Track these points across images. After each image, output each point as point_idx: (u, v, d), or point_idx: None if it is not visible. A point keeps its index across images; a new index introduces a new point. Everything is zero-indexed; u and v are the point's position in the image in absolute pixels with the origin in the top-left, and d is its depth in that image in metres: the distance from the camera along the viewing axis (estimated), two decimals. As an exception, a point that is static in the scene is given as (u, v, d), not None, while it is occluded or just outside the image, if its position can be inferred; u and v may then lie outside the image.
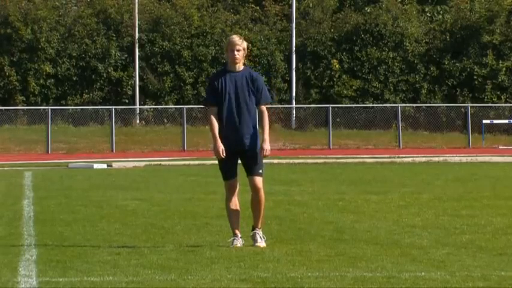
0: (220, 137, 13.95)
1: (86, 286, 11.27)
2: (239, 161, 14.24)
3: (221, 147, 13.80)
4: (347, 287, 11.03)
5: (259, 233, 14.02)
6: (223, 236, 15.70)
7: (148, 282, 11.49)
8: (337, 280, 11.56)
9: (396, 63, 62.03)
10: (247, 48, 14.55)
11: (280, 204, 20.71)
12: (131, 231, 16.56)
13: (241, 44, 14.10)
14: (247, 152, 14.06)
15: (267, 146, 13.95)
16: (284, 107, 59.07)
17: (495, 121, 55.98)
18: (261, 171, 13.85)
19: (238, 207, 14.23)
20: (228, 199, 14.29)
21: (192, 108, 56.24)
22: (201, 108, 56.88)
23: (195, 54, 61.38)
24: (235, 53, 14.06)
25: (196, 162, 40.92)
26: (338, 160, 40.64)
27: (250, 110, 14.04)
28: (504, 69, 61.62)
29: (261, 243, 13.91)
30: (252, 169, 14.02)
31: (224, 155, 13.84)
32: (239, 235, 14.08)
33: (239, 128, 13.99)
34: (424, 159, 41.98)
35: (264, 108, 14.03)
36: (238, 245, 13.92)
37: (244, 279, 11.64)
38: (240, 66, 14.19)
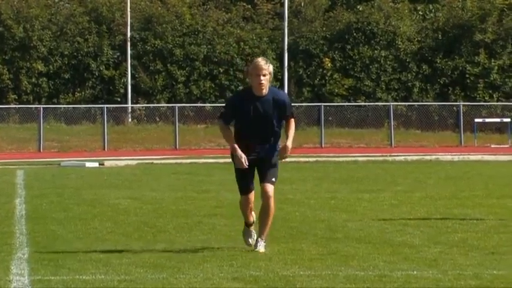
0: (242, 147, 13.49)
1: (78, 285, 11.28)
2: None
3: (243, 156, 13.39)
4: (339, 286, 11.06)
5: (261, 243, 13.55)
6: (215, 235, 15.74)
7: (141, 280, 11.51)
8: (329, 279, 11.60)
9: (388, 62, 62.09)
10: (272, 72, 13.68)
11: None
12: (123, 230, 16.58)
13: (267, 69, 13.34)
14: (264, 161, 13.64)
15: (289, 145, 13.59)
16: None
17: (487, 120, 56.02)
18: (274, 179, 13.47)
19: (252, 208, 13.90)
20: (243, 204, 13.90)
21: (184, 106, 56.26)
22: (193, 106, 56.94)
23: (187, 52, 61.40)
24: (261, 78, 13.31)
25: (188, 160, 40.91)
26: (330, 159, 40.67)
27: (276, 132, 13.65)
28: (496, 67, 61.71)
29: (261, 248, 13.55)
30: (265, 176, 13.56)
31: (247, 164, 13.42)
32: (253, 228, 13.92)
33: (261, 149, 13.63)
34: (416, 157, 42.02)
35: (291, 119, 13.68)
36: (251, 242, 13.77)
37: (236, 277, 11.67)
38: (265, 91, 13.43)
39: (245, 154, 13.41)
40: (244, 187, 13.65)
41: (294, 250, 13.62)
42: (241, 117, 13.50)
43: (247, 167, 13.40)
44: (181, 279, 11.57)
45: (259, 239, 13.54)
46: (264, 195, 13.49)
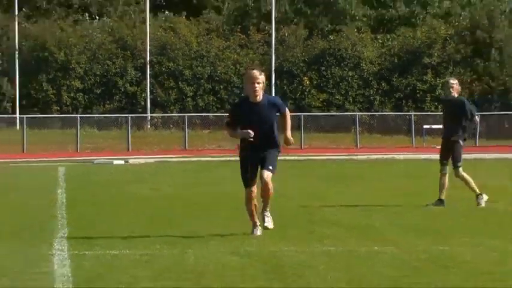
0: (243, 151, 13.19)
1: (108, 258, 11.26)
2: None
3: (246, 130, 12.84)
4: (316, 259, 11.05)
5: (267, 214, 13.10)
6: (217, 219, 15.68)
7: (158, 255, 11.53)
8: (308, 253, 11.61)
9: (354, 80, 62.12)
10: (265, 80, 13.25)
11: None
12: (143, 215, 16.53)
13: (260, 78, 12.88)
14: (264, 154, 12.99)
15: (289, 135, 13.11)
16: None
17: (433, 126, 55.96)
18: (271, 167, 12.83)
19: (255, 205, 13.16)
20: (247, 200, 13.15)
21: (192, 116, 56.16)
22: (199, 116, 56.82)
23: (194, 72, 61.37)
24: (256, 85, 12.82)
25: (195, 159, 40.84)
26: (308, 158, 40.58)
27: (273, 130, 13.04)
28: (440, 85, 61.59)
29: (269, 224, 13.13)
30: (265, 164, 12.87)
31: (253, 133, 12.79)
32: (258, 224, 13.17)
33: (260, 146, 12.95)
34: (376, 157, 41.91)
35: (285, 113, 13.16)
36: (259, 233, 13.10)
37: (234, 252, 11.68)
38: (260, 98, 12.91)
39: (250, 157, 13.02)
40: (248, 180, 13.02)
41: (280, 231, 13.56)
42: (242, 123, 12.94)
43: (253, 134, 12.78)
44: (190, 253, 11.55)
45: (264, 214, 13.07)
46: (262, 180, 12.90)
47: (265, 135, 12.94)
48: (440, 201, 17.72)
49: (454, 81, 18.36)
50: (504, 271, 10.21)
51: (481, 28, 63.27)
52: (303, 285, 9.41)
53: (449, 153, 17.98)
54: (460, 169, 17.86)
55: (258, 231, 13.07)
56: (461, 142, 17.95)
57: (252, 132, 12.80)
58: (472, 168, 33.23)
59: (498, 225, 14.64)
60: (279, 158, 13.24)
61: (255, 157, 12.99)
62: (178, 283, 9.50)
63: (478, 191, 17.83)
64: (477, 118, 18.50)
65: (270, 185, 12.93)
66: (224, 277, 9.87)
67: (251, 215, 13.15)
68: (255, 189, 13.02)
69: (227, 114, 13.48)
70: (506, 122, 58.54)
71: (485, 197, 17.70)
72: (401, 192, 19.49)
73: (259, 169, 13.05)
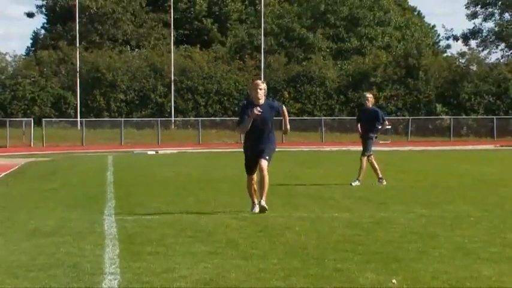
0: (246, 144, 12.41)
1: (143, 221, 11.29)
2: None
3: (251, 112, 12.07)
4: (293, 222, 11.06)
5: (264, 202, 12.02)
6: (222, 193, 15.67)
7: (178, 219, 11.51)
8: (286, 218, 11.60)
9: (321, 94, 62.09)
10: (267, 87, 12.57)
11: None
12: (168, 190, 16.53)
13: (262, 86, 12.32)
14: (263, 148, 12.22)
15: (288, 127, 12.53)
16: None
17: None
18: (268, 157, 12.10)
19: (255, 188, 12.31)
20: (248, 185, 12.42)
21: (204, 119, 56.21)
22: (209, 119, 56.80)
23: (206, 88, 61.33)
24: (258, 91, 12.22)
25: (206, 150, 40.89)
26: (287, 149, 40.62)
27: (270, 128, 12.32)
28: (382, 97, 61.72)
29: (266, 206, 12.04)
30: (262, 154, 12.10)
31: (259, 110, 12.05)
32: (256, 203, 12.23)
33: (260, 142, 12.22)
34: (336, 149, 42.02)
35: (283, 109, 12.52)
36: (256, 210, 12.15)
37: (234, 217, 11.70)
38: (262, 101, 12.21)
39: (252, 150, 12.22)
40: (249, 170, 12.30)
41: (266, 201, 13.57)
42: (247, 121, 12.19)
43: (260, 112, 12.04)
44: (203, 218, 11.54)
45: (261, 201, 12.08)
46: (260, 168, 12.08)
47: (264, 132, 12.24)
48: (380, 179, 17.73)
49: (369, 95, 18.56)
50: (429, 232, 10.22)
51: (412, 56, 63.33)
52: (283, 241, 9.41)
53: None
54: (365, 157, 17.91)
55: (256, 209, 12.22)
56: (373, 139, 18.06)
57: (258, 109, 12.05)
58: (406, 157, 33.40)
59: (424, 198, 14.66)
60: (275, 151, 12.54)
61: (256, 151, 12.20)
62: (193, 239, 9.51)
63: (359, 177, 17.60)
64: (387, 122, 18.60)
65: (266, 173, 12.05)
66: (227, 234, 9.88)
67: (251, 196, 12.39)
68: (254, 177, 12.28)
69: (237, 118, 12.60)
70: (429, 124, 58.67)
71: (357, 183, 17.43)
72: (354, 174, 19.43)
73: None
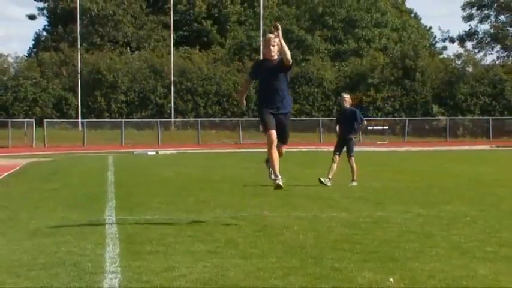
0: (263, 101, 10.77)
1: (143, 221, 11.27)
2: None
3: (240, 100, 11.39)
4: (291, 221, 11.04)
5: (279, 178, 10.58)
6: (221, 192, 15.64)
7: (178, 219, 11.49)
8: (286, 217, 11.56)
9: (319, 95, 62.13)
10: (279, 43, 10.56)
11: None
12: (168, 190, 16.50)
13: (276, 41, 10.54)
14: (281, 115, 10.78)
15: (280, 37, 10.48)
16: (254, 119, 59.03)
17: (375, 127, 56.18)
18: (354, 138, 10.87)
19: (277, 155, 10.75)
20: (270, 147, 10.69)
21: (203, 120, 56.23)
22: (208, 120, 56.77)
23: (205, 89, 61.34)
24: (271, 48, 10.54)
25: (206, 151, 40.88)
26: (286, 150, 40.53)
27: (283, 83, 10.69)
28: (380, 98, 61.78)
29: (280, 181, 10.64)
30: (283, 139, 10.81)
31: (244, 103, 11.32)
32: (279, 175, 10.75)
33: (274, 97, 10.62)
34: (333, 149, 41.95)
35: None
36: (280, 183, 10.67)
37: (233, 217, 11.66)
38: (275, 57, 10.59)
39: (268, 107, 10.66)
40: (269, 124, 10.60)
41: (265, 202, 13.56)
42: (260, 76, 10.81)
43: (244, 103, 11.27)
44: (202, 217, 11.54)
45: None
46: (278, 150, 10.71)
47: (280, 89, 10.69)
48: (353, 181, 17.60)
49: (346, 96, 18.61)
50: (426, 231, 10.22)
51: (409, 57, 63.36)
52: (282, 240, 9.40)
53: (343, 147, 18.02)
54: (352, 158, 17.93)
55: (280, 182, 10.74)
56: (353, 139, 18.05)
57: (242, 103, 11.32)
58: (403, 158, 33.41)
59: (421, 198, 14.65)
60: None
61: (273, 113, 10.70)
62: (193, 238, 9.50)
63: (354, 178, 17.62)
64: (365, 122, 18.66)
65: (283, 151, 10.99)
66: (226, 234, 9.87)
67: (273, 168, 10.76)
68: (275, 133, 10.63)
69: (250, 69, 11.34)
70: (426, 125, 58.69)
71: (354, 183, 17.51)
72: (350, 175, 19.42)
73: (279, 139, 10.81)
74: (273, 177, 10.74)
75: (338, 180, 17.86)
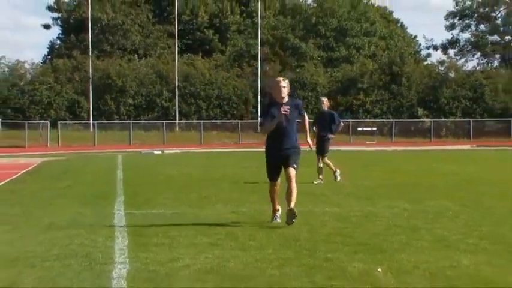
0: (269, 143, 10.44)
1: (149, 215, 11.26)
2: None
3: (275, 117, 10.26)
4: (284, 217, 11.00)
5: (292, 205, 10.09)
6: (222, 189, 15.61)
7: (182, 213, 11.49)
8: (282, 212, 11.52)
9: (313, 99, 61.91)
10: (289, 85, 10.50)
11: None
12: (173, 187, 16.48)
13: (285, 83, 10.35)
14: (288, 153, 10.29)
15: (309, 140, 11.25)
16: (253, 121, 59.06)
17: (364, 128, 56.14)
18: (295, 165, 10.30)
19: (277, 194, 10.37)
20: (271, 191, 10.42)
21: (205, 122, 56.14)
22: (210, 122, 56.73)
23: (207, 93, 61.23)
24: (282, 89, 10.25)
25: (207, 150, 40.84)
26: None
27: (293, 128, 10.36)
28: (369, 101, 61.71)
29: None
30: (289, 163, 10.24)
31: (287, 110, 10.33)
32: (278, 210, 10.48)
33: (284, 143, 10.24)
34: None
35: (304, 115, 10.69)
36: (278, 220, 10.32)
37: (233, 211, 11.66)
38: (286, 99, 10.32)
39: (276, 151, 10.27)
40: (272, 176, 10.36)
41: (262, 198, 13.54)
42: (271, 115, 10.28)
43: (287, 112, 10.33)
44: (204, 211, 11.51)
45: (291, 205, 10.09)
46: (287, 176, 10.26)
47: (289, 133, 10.32)
48: (320, 179, 17.54)
49: (324, 99, 18.73)
50: (412, 225, 10.22)
51: (396, 64, 63.32)
52: (278, 233, 9.39)
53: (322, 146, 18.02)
54: (326, 157, 17.93)
55: (277, 218, 10.40)
56: (329, 140, 18.06)
57: (285, 108, 10.38)
58: (390, 157, 33.39)
59: (407, 194, 14.64)
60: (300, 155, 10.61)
61: (279, 156, 10.31)
62: (196, 232, 9.49)
63: (334, 168, 17.69)
64: (342, 123, 18.70)
65: (294, 183, 10.23)
66: (226, 227, 9.86)
67: (273, 202, 10.49)
68: (278, 181, 10.42)
69: (260, 119, 10.59)
70: (412, 126, 58.67)
71: (339, 178, 17.42)
72: (343, 172, 19.42)
73: (282, 168, 10.41)
74: (276, 219, 10.43)
75: (329, 177, 17.87)
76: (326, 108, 18.23)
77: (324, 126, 18.01)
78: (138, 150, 40.49)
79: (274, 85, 10.51)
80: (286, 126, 10.31)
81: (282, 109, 10.27)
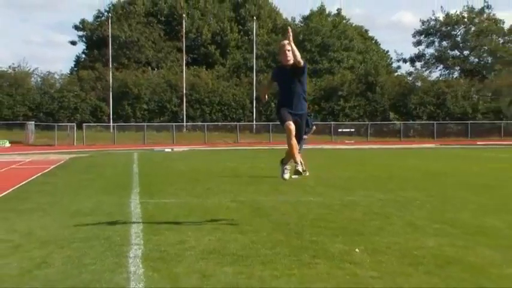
0: (281, 102, 8.77)
1: (161, 204, 11.20)
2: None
3: (262, 96, 9.50)
4: (279, 205, 10.99)
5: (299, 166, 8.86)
6: (223, 181, 15.58)
7: (189, 201, 11.42)
8: (274, 201, 11.51)
9: (300, 104, 61.99)
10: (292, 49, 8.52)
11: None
12: (181, 180, 16.43)
13: (290, 47, 8.50)
14: (296, 115, 8.75)
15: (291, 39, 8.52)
16: (249, 123, 58.89)
17: (344, 130, 56.15)
18: (305, 137, 8.72)
19: (296, 143, 8.78)
20: (289, 137, 8.67)
21: (209, 124, 56.07)
22: (212, 124, 56.63)
23: (210, 100, 61.16)
24: (287, 53, 8.51)
25: (210, 148, 40.77)
26: (274, 148, 40.47)
27: (298, 87, 8.72)
28: (348, 106, 61.67)
29: (300, 167, 8.92)
30: (299, 132, 8.74)
31: (265, 98, 9.63)
32: (299, 162, 8.89)
33: (291, 100, 8.62)
34: (312, 147, 41.93)
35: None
36: (300, 169, 8.86)
37: (233, 200, 11.59)
38: (291, 62, 8.55)
39: (287, 108, 8.65)
40: (285, 117, 8.61)
41: (257, 189, 13.52)
42: (279, 81, 8.74)
43: (266, 98, 9.58)
44: (208, 201, 11.47)
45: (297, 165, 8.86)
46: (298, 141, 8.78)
47: (294, 94, 8.76)
48: (304, 170, 17.44)
49: None
50: (386, 212, 10.20)
51: (371, 75, 63.33)
52: (271, 219, 9.37)
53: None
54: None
55: (300, 168, 8.93)
56: (304, 139, 18.03)
57: (264, 98, 9.60)
58: (366, 154, 33.39)
59: (381, 186, 14.62)
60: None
61: (290, 113, 8.71)
62: (200, 218, 9.47)
63: (305, 168, 17.55)
64: (314, 127, 18.69)
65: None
66: (228, 214, 9.85)
67: (294, 154, 8.85)
68: (292, 124, 8.61)
69: (269, 78, 9.22)
70: (384, 128, 58.68)
71: (306, 173, 17.16)
72: (326, 167, 19.46)
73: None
74: (295, 165, 8.86)
75: (314, 171, 17.83)
76: None
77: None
78: (151, 148, 40.42)
79: (279, 50, 8.88)
80: (293, 87, 8.76)
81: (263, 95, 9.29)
